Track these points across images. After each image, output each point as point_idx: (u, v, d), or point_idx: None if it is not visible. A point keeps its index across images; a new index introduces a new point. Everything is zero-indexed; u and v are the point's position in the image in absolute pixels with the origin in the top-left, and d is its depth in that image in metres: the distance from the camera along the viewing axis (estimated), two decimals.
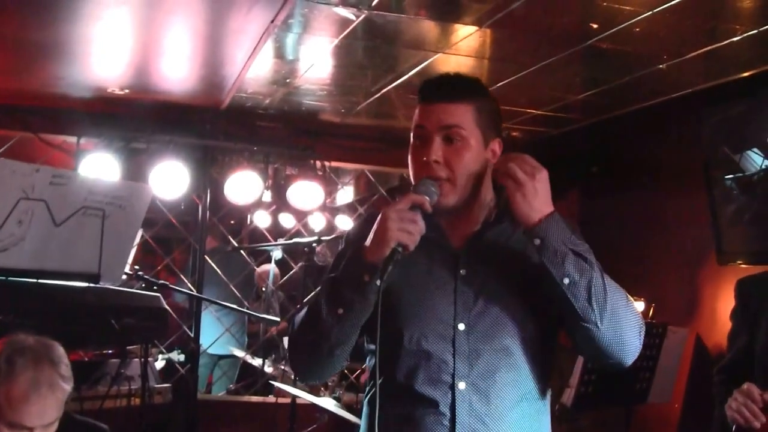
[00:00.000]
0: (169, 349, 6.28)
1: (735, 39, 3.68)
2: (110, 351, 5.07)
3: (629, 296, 2.09)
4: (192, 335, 5.86)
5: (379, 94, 4.99)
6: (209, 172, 5.91)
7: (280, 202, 6.18)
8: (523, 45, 4.02)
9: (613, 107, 5.13)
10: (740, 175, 4.55)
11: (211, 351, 6.66)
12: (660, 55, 4.00)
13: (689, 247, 5.06)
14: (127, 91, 5.16)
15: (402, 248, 1.97)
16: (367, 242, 2.02)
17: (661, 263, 5.26)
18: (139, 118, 5.56)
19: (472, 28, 3.73)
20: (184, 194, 5.63)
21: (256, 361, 6.68)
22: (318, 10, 3.55)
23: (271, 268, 7.30)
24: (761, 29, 3.55)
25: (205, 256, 6.05)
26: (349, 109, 5.50)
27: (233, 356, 7.05)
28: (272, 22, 3.69)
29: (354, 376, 6.40)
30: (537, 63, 4.21)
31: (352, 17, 3.60)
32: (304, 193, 5.91)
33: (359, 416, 2.49)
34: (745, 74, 4.21)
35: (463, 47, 3.99)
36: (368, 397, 2.24)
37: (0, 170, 3.29)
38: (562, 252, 1.98)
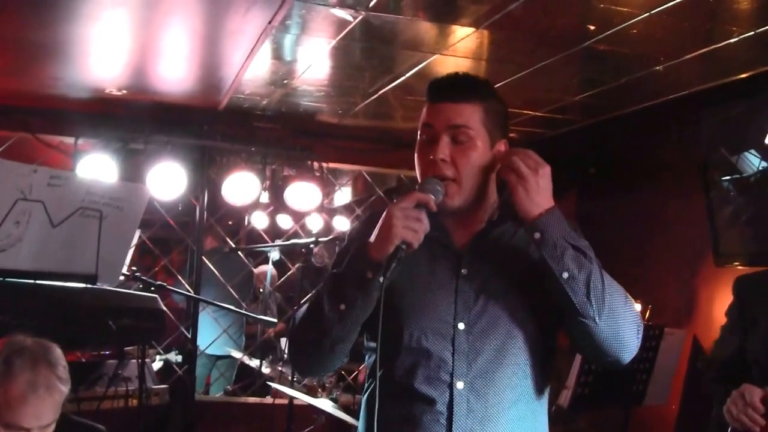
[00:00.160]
0: (167, 350, 6.28)
1: (732, 40, 3.68)
2: (107, 352, 5.08)
3: (628, 295, 2.10)
4: (189, 336, 5.85)
5: (376, 95, 4.99)
6: (207, 172, 5.91)
7: (277, 203, 6.18)
8: (521, 46, 4.02)
9: (611, 109, 5.13)
10: (738, 176, 4.55)
11: (208, 352, 6.67)
12: (657, 56, 4.01)
13: (686, 249, 5.07)
14: (124, 91, 5.16)
15: (406, 246, 1.97)
16: (372, 239, 2.02)
17: (658, 265, 5.26)
18: (136, 119, 5.56)
19: (470, 30, 3.73)
20: (182, 195, 5.63)
21: (254, 362, 6.69)
22: (315, 11, 3.55)
23: (269, 269, 7.31)
24: (758, 31, 3.55)
25: (203, 257, 6.05)
26: (347, 110, 5.50)
27: (230, 357, 7.05)
28: (270, 23, 3.69)
29: (351, 377, 6.40)
30: (534, 64, 4.21)
31: (350, 18, 3.60)
32: (302, 194, 5.91)
33: (356, 417, 2.49)
34: (743, 75, 4.21)
35: (460, 48, 3.99)
36: (366, 395, 2.25)
37: None
38: (562, 246, 2.00)
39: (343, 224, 7.35)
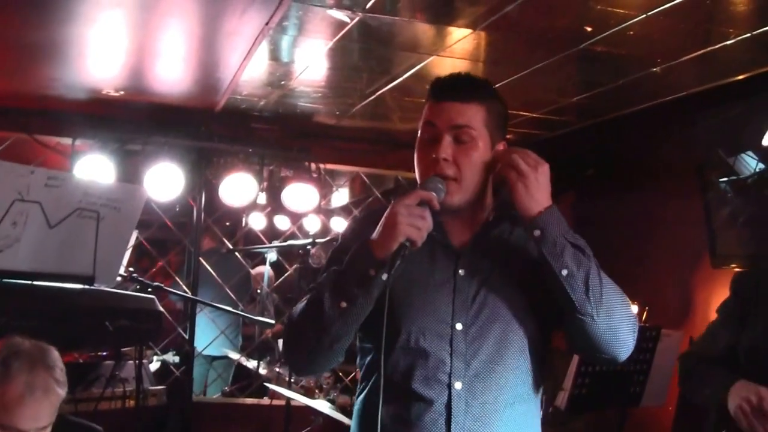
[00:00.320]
0: (164, 351, 6.28)
1: (729, 42, 3.68)
2: (105, 353, 5.07)
3: (623, 293, 2.11)
4: (187, 337, 5.85)
5: (373, 97, 4.99)
6: (204, 173, 5.92)
7: (275, 204, 6.18)
8: (518, 48, 4.03)
9: (608, 110, 5.13)
10: (735, 178, 4.56)
11: (204, 352, 6.66)
12: (654, 58, 4.01)
13: (684, 250, 5.07)
14: (122, 92, 5.16)
15: (410, 243, 1.97)
16: (374, 236, 2.02)
17: (655, 266, 5.26)
18: (134, 120, 5.56)
19: (467, 31, 3.73)
20: (179, 196, 5.64)
21: (251, 364, 6.68)
22: (313, 13, 3.55)
23: (266, 270, 7.30)
24: (755, 32, 3.55)
25: (200, 258, 6.05)
26: (344, 112, 5.50)
27: (227, 358, 7.05)
28: (267, 24, 3.69)
29: (349, 378, 6.39)
30: (531, 66, 4.21)
31: (347, 20, 3.60)
32: (299, 195, 5.91)
33: None
34: (740, 77, 4.21)
35: (457, 50, 4.00)
36: (361, 396, 2.24)
37: None
38: (561, 244, 2.01)
39: (340, 225, 7.34)
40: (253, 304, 7.56)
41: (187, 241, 6.12)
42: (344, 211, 7.81)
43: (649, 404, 4.58)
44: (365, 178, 6.68)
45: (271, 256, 7.12)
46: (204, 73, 4.79)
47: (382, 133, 6.08)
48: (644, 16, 3.40)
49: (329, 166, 6.37)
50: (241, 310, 6.59)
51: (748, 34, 3.59)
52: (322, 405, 4.56)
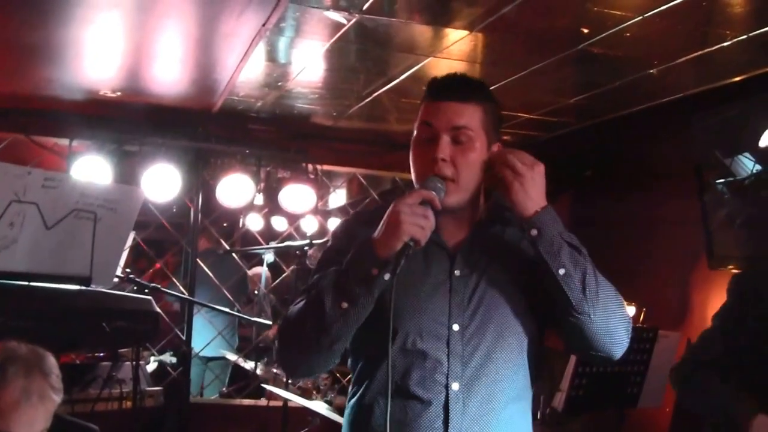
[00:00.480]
0: (161, 352, 6.27)
1: (726, 44, 3.69)
2: (102, 354, 5.07)
3: (618, 292, 2.11)
4: (184, 338, 5.85)
5: (370, 98, 4.99)
6: (201, 174, 5.91)
7: (272, 205, 6.18)
8: (515, 49, 4.03)
9: (605, 111, 5.13)
10: (732, 179, 4.56)
11: (201, 353, 6.65)
12: (651, 59, 4.01)
13: (681, 251, 5.07)
14: (119, 93, 5.16)
15: (414, 243, 1.97)
16: (376, 235, 2.01)
17: (652, 267, 5.26)
18: (131, 121, 5.55)
19: (464, 32, 3.73)
20: (176, 197, 5.63)
21: (249, 365, 6.68)
22: (309, 14, 3.55)
23: (263, 271, 7.30)
24: (752, 34, 3.56)
25: (198, 259, 6.05)
26: (341, 113, 5.50)
27: (224, 359, 7.05)
28: (264, 25, 3.69)
29: (346, 379, 6.39)
30: (528, 67, 4.21)
31: (344, 21, 3.60)
32: (296, 196, 5.91)
33: None
34: (737, 79, 4.21)
35: (454, 51, 4.00)
36: (352, 400, 2.23)
37: None
38: (558, 243, 2.02)
39: None
40: (251, 305, 7.56)
41: (184, 242, 6.12)
42: (341, 212, 7.82)
43: (646, 405, 4.58)
44: (362, 179, 6.68)
45: (268, 257, 7.13)
46: (201, 75, 4.79)
47: (379, 134, 6.08)
48: (641, 17, 3.40)
49: (326, 167, 6.37)
50: (238, 311, 6.59)
51: (745, 36, 3.59)
52: (319, 406, 4.56)
